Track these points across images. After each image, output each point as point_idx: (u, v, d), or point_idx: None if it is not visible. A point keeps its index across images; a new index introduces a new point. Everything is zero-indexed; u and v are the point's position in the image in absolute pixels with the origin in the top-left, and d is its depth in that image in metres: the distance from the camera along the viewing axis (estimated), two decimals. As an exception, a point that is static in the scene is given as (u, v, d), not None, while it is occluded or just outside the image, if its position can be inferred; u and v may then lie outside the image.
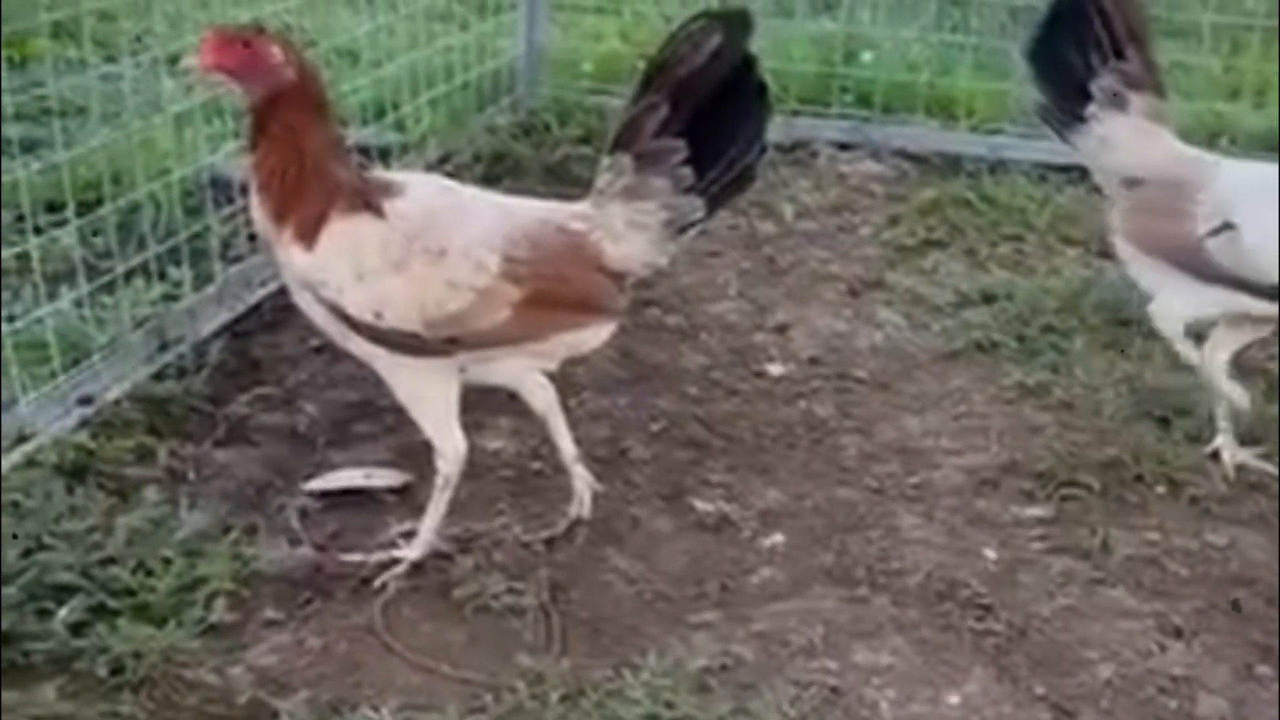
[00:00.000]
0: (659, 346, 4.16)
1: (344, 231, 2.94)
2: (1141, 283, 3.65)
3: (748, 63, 3.05)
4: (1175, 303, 3.55)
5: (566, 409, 3.67)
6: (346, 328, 3.00)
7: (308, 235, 2.93)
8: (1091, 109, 3.67)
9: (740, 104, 3.07)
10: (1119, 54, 3.65)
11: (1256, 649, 3.00)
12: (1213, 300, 3.49)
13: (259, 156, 2.95)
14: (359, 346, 3.04)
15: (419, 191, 3.08)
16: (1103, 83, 3.65)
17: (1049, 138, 5.29)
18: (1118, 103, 3.65)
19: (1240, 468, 3.58)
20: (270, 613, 2.99)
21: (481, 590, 3.04)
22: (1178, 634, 3.02)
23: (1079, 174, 5.21)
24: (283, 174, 2.93)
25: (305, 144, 2.94)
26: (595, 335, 3.17)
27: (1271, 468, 3.57)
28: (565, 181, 4.94)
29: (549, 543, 3.23)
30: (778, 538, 3.32)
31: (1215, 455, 3.60)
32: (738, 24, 3.03)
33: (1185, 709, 2.82)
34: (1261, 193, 3.42)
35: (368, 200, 2.97)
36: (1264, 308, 3.43)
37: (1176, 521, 3.39)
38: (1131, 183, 3.65)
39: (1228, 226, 3.40)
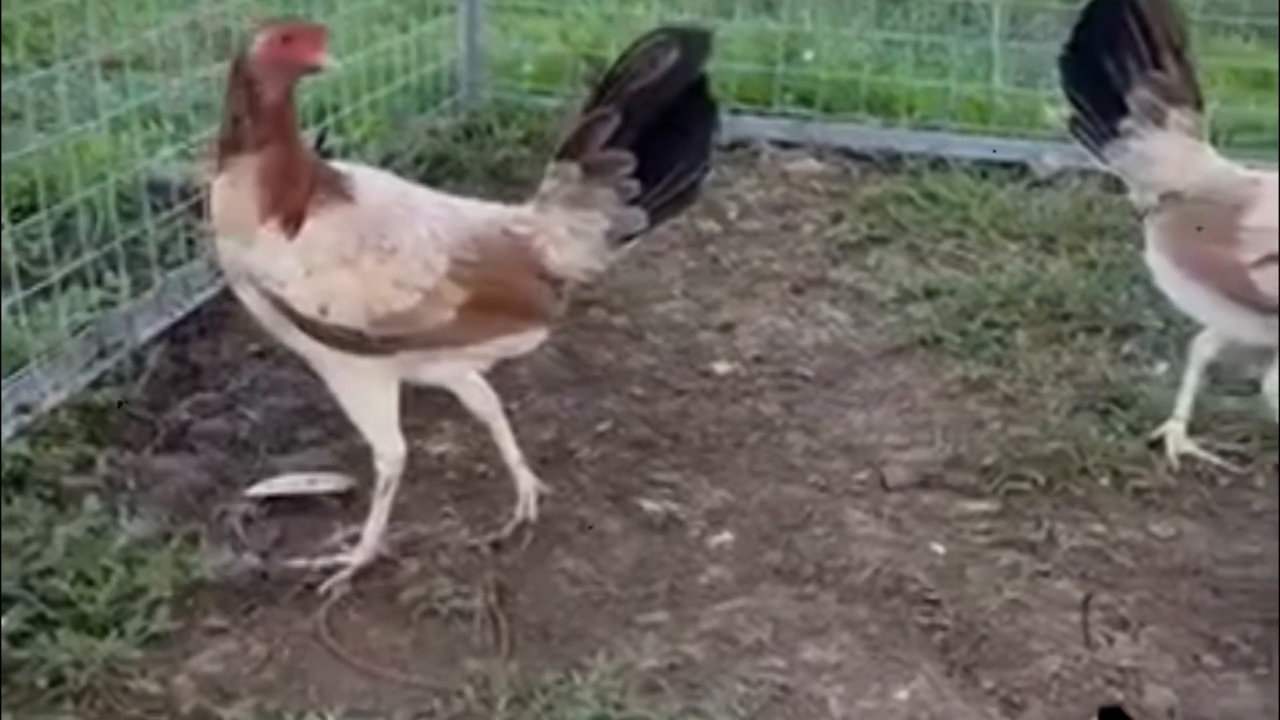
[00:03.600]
0: (604, 347, 4.15)
1: (315, 224, 2.92)
2: (1179, 302, 3.60)
3: (701, 82, 3.07)
4: (1215, 326, 3.53)
5: (510, 411, 3.67)
6: (290, 323, 2.97)
7: (292, 225, 2.90)
8: (1128, 123, 3.58)
9: (690, 121, 3.09)
10: (1157, 64, 3.54)
11: (1203, 639, 3.01)
12: (1258, 328, 3.44)
13: (266, 149, 2.88)
14: (300, 343, 3.02)
15: (369, 186, 3.05)
16: (1140, 95, 3.56)
17: (989, 133, 5.50)
18: (1156, 116, 3.55)
19: (1185, 458, 3.60)
20: (213, 620, 2.96)
21: (428, 594, 3.01)
22: (1123, 625, 3.04)
23: (1019, 170, 5.31)
24: (283, 166, 2.90)
25: (297, 135, 2.96)
26: (530, 339, 3.18)
27: (1215, 458, 3.59)
28: (507, 183, 4.92)
29: (495, 545, 3.21)
30: (725, 536, 3.31)
31: (1156, 444, 3.62)
32: (696, 43, 3.05)
33: (1133, 700, 2.83)
34: None
35: (340, 189, 2.95)
36: None
37: (1121, 513, 3.41)
38: (1168, 198, 3.57)
39: (1273, 258, 3.33)
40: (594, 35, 6.00)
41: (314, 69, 2.95)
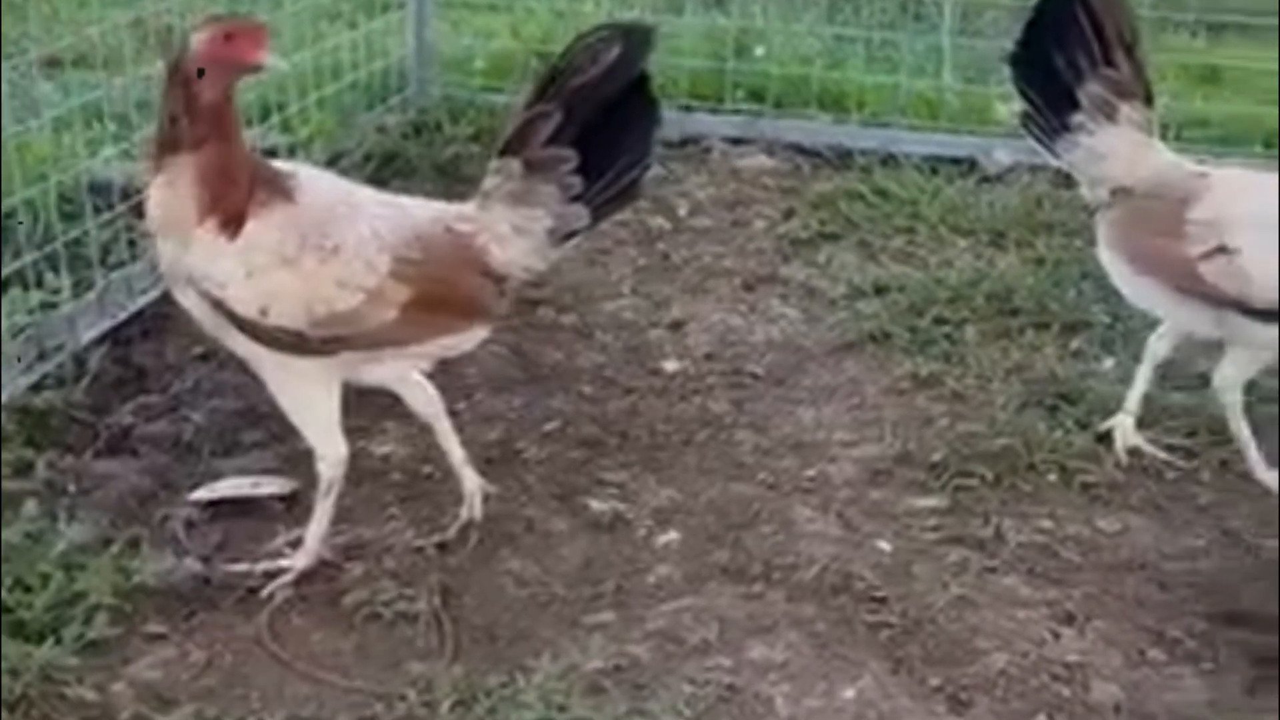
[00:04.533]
0: (553, 345, 4.12)
1: (256, 224, 2.88)
2: (1132, 297, 3.61)
3: (643, 79, 3.06)
4: (1168, 321, 3.55)
5: (458, 411, 3.67)
6: (229, 325, 2.93)
7: (232, 226, 2.86)
8: (1079, 118, 3.57)
9: (632, 117, 3.07)
10: (1108, 60, 3.53)
11: (1149, 634, 3.02)
12: (1209, 321, 3.46)
13: (205, 149, 2.84)
14: (240, 345, 2.98)
15: (310, 185, 3.01)
16: (1091, 90, 3.56)
17: (940, 130, 5.50)
18: (1107, 112, 3.55)
19: (1133, 453, 3.60)
20: (153, 626, 2.92)
21: (371, 597, 2.99)
22: (1070, 621, 3.04)
23: (969, 166, 5.31)
24: (222, 166, 2.86)
25: (238, 134, 2.91)
26: (472, 338, 3.15)
27: (1162, 453, 3.60)
28: (456, 180, 4.87)
29: (440, 547, 3.18)
30: (673, 535, 3.30)
31: (1104, 438, 3.63)
32: (638, 39, 3.04)
33: (1079, 696, 2.83)
34: (1256, 211, 3.36)
35: (281, 188, 2.92)
36: (1260, 330, 3.37)
37: (1068, 509, 3.41)
38: (1119, 194, 3.57)
39: (1222, 250, 3.36)
40: (545, 31, 5.96)
41: (255, 68, 2.91)
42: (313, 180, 3.08)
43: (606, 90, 3.02)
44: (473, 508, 3.25)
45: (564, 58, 3.04)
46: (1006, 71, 3.77)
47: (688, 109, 5.66)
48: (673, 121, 5.49)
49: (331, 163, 4.93)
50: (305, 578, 3.05)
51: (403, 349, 3.08)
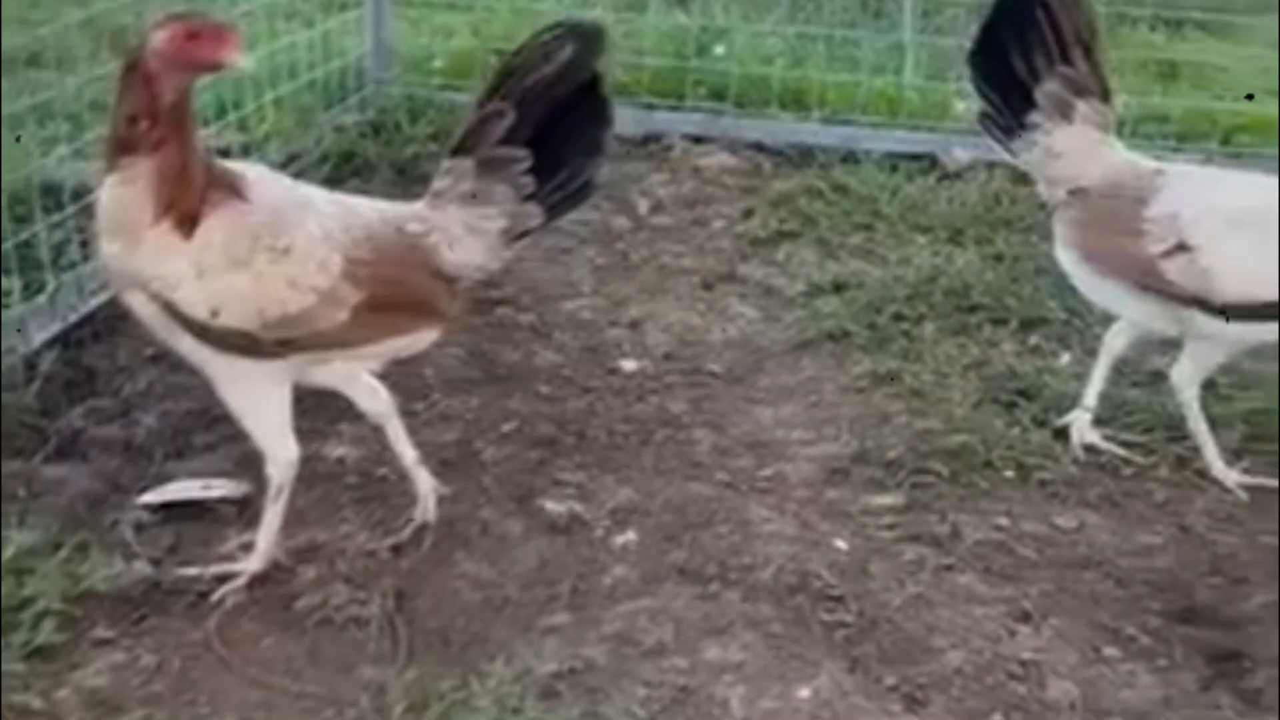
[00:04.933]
0: (511, 346, 4.10)
1: (207, 225, 2.84)
2: (1090, 296, 3.61)
3: (595, 78, 3.04)
4: (1127, 319, 3.55)
5: (415, 412, 3.65)
6: (178, 326, 2.90)
7: (187, 226, 2.82)
8: (1035, 117, 3.57)
9: (584, 117, 3.06)
10: (1066, 59, 3.53)
11: (1104, 631, 3.01)
12: (1169, 319, 3.46)
13: (163, 150, 2.79)
14: (189, 348, 2.95)
15: (261, 185, 2.98)
16: (1048, 89, 3.55)
17: (900, 127, 5.50)
18: (1064, 110, 3.54)
19: (1089, 449, 3.60)
20: (102, 631, 2.89)
21: (324, 601, 2.96)
22: (1026, 618, 3.03)
23: (929, 162, 5.31)
24: (179, 168, 2.82)
25: (194, 135, 2.87)
26: (424, 339, 3.12)
27: (1119, 449, 3.60)
28: (415, 180, 4.83)
29: (395, 550, 3.16)
30: (629, 536, 3.28)
31: (1061, 434, 3.63)
32: (591, 38, 3.03)
33: (1035, 694, 2.83)
34: (1215, 208, 3.37)
35: (232, 188, 2.88)
36: (1220, 326, 3.38)
37: (1025, 505, 3.41)
38: (1076, 193, 3.56)
39: (1182, 247, 3.35)
40: (505, 30, 5.92)
41: (219, 68, 2.87)
42: (263, 180, 3.04)
43: (559, 89, 3.01)
44: (427, 510, 3.22)
45: (517, 57, 3.03)
46: (965, 69, 3.77)
47: (649, 107, 5.66)
48: (634, 119, 5.53)
49: (288, 162, 4.92)
50: (257, 581, 3.01)
51: (354, 350, 3.05)
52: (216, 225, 2.86)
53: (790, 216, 4.94)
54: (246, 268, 2.86)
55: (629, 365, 4.03)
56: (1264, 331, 3.39)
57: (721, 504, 3.40)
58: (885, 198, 5.02)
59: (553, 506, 3.36)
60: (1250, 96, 5.41)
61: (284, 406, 3.03)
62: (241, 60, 2.88)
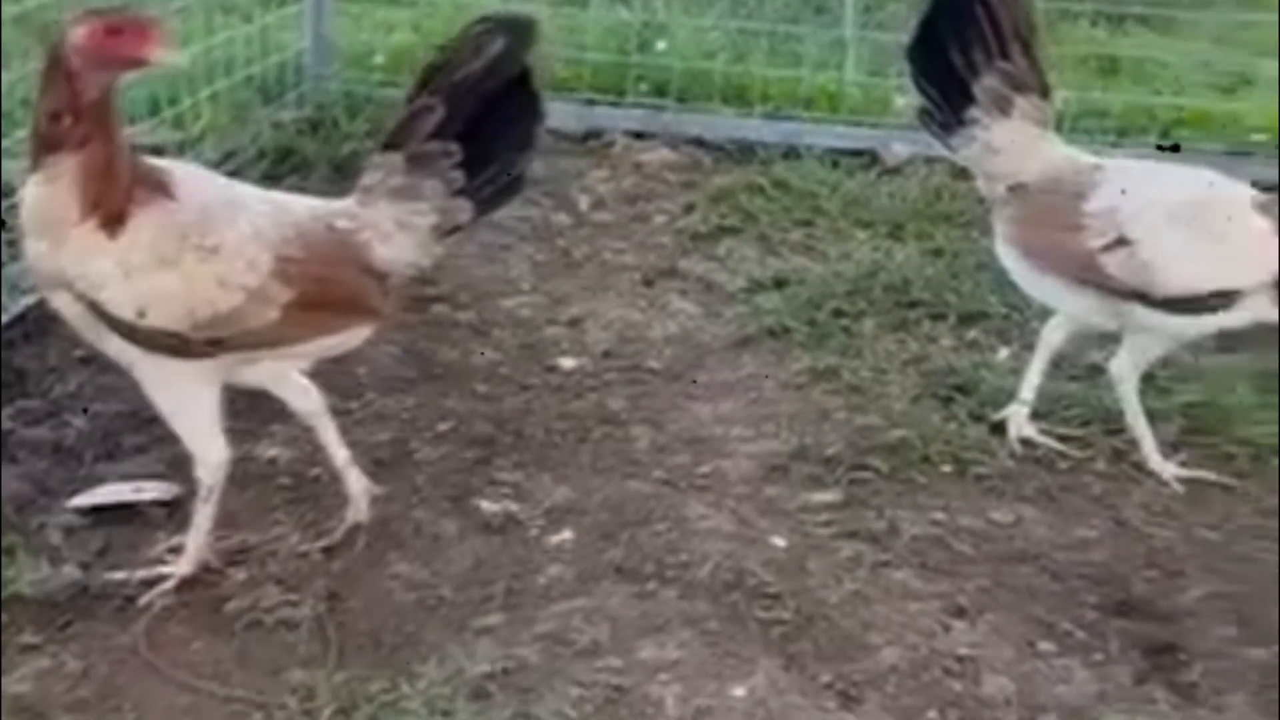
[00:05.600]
0: (448, 344, 4.07)
1: (134, 224, 2.80)
2: (1031, 292, 3.61)
3: (526, 72, 3.02)
4: (1068, 314, 3.55)
5: (349, 411, 3.61)
6: (104, 327, 2.85)
7: (113, 225, 2.77)
8: (974, 113, 3.55)
9: (515, 111, 3.03)
10: (1004, 54, 3.51)
11: (1040, 625, 3.01)
12: (1109, 313, 3.47)
13: (88, 148, 2.74)
14: (116, 349, 2.90)
15: (189, 183, 2.94)
16: (986, 85, 3.53)
17: (841, 122, 5.50)
18: (1002, 106, 3.53)
19: (1026, 443, 3.60)
20: (28, 637, 2.84)
21: (254, 604, 2.93)
22: (962, 614, 3.03)
23: (870, 158, 5.31)
24: (105, 165, 2.77)
25: (120, 131, 2.82)
26: (356, 336, 3.09)
27: (1056, 443, 3.60)
28: (354, 178, 4.75)
29: (327, 551, 3.12)
30: (565, 535, 3.25)
31: (998, 428, 3.63)
32: (522, 31, 3.00)
33: (970, 690, 2.82)
34: (1154, 202, 3.39)
35: (160, 186, 2.84)
36: (1161, 320, 3.40)
37: (962, 500, 3.41)
38: (1015, 190, 3.55)
39: (1122, 241, 3.36)
40: (447, 25, 5.87)
41: (141, 64, 2.82)
42: (191, 178, 3.00)
43: (490, 83, 2.99)
44: (359, 511, 3.18)
45: (447, 51, 3.01)
46: (905, 65, 3.76)
47: (590, 103, 5.64)
48: (575, 115, 5.51)
49: (224, 160, 4.87)
50: (186, 584, 2.97)
51: (286, 349, 3.02)
52: (144, 224, 2.82)
53: (731, 212, 4.93)
54: (175, 267, 2.82)
55: (568, 363, 4.01)
56: (1204, 324, 3.41)
57: (659, 502, 3.38)
58: (826, 193, 5.01)
59: (488, 506, 3.33)
60: None
61: (213, 407, 2.98)
62: (167, 56, 2.83)
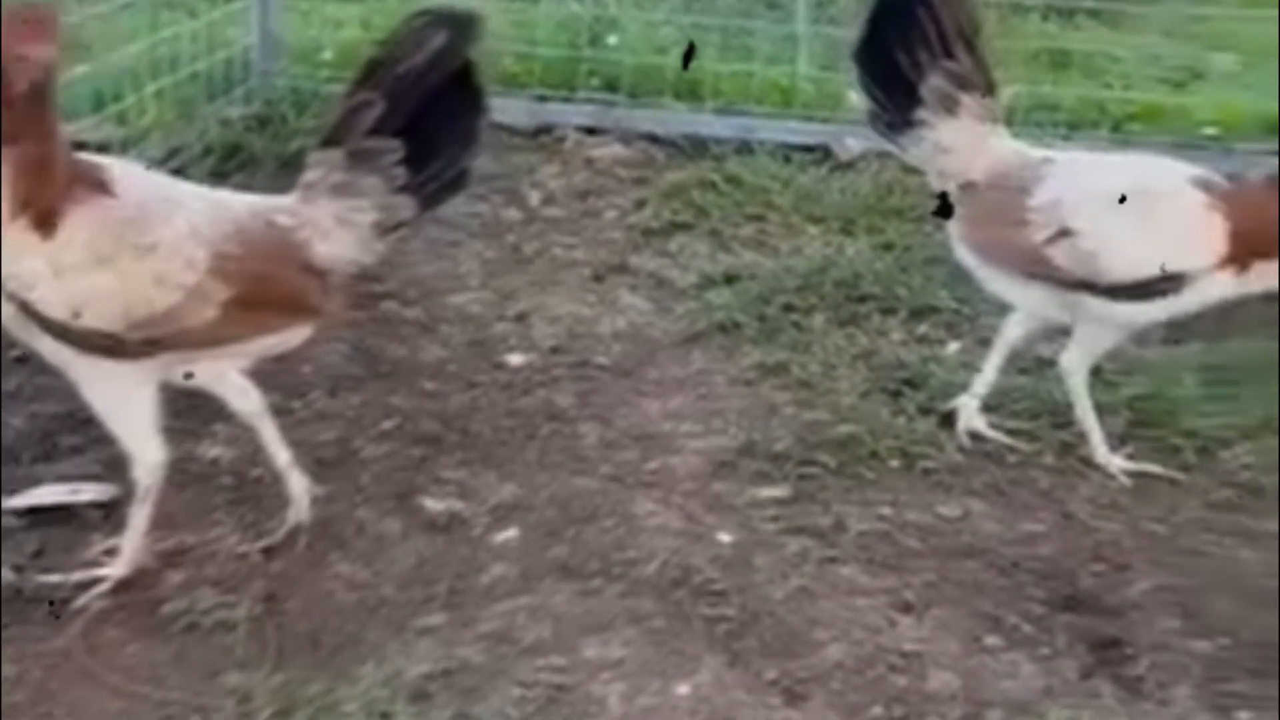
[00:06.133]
0: (395, 341, 4.03)
1: (68, 222, 2.74)
2: (987, 288, 3.60)
3: (468, 66, 2.98)
4: (1024, 309, 3.54)
5: (293, 410, 3.57)
6: (36, 327, 2.80)
7: (46, 224, 2.72)
8: (922, 113, 3.54)
9: (458, 106, 3.00)
10: (948, 53, 3.50)
11: (986, 620, 3.00)
12: (1060, 305, 3.47)
13: (20, 143, 2.68)
14: (49, 349, 2.85)
15: (126, 180, 2.89)
16: (932, 84, 3.52)
17: (794, 117, 5.48)
18: (948, 105, 3.52)
19: (975, 437, 3.59)
20: (-41, 643, 2.79)
21: (190, 606, 2.88)
22: (908, 609, 3.01)
23: (822, 153, 5.30)
24: (38, 162, 2.71)
25: (55, 127, 2.76)
26: (297, 335, 3.04)
27: (1004, 437, 3.59)
28: (301, 173, 4.75)
29: (268, 552, 3.08)
30: (511, 533, 3.22)
31: (947, 419, 3.62)
32: (463, 26, 2.96)
33: (915, 686, 2.81)
34: (1095, 191, 3.39)
35: (96, 183, 2.79)
36: (1110, 309, 3.39)
37: (910, 495, 3.39)
38: (965, 188, 3.54)
39: (1065, 233, 3.36)
40: (396, 20, 5.82)
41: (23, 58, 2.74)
42: (128, 175, 2.95)
43: (431, 78, 2.94)
44: (300, 512, 3.14)
45: (387, 45, 2.97)
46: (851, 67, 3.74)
47: (541, 98, 5.61)
48: (526, 111, 5.48)
49: (170, 156, 4.81)
50: (122, 587, 2.93)
51: (224, 348, 2.97)
52: (79, 222, 2.77)
53: (683, 208, 4.90)
54: (110, 266, 2.77)
55: (516, 359, 3.98)
56: (1153, 311, 3.41)
57: (606, 498, 3.35)
58: (778, 188, 4.99)
59: (432, 505, 3.29)
60: None
61: (150, 408, 2.94)
62: (46, 52, 2.73)
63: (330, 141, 2.98)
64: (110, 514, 3.16)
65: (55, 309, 2.76)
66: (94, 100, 4.69)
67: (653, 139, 5.47)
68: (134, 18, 4.99)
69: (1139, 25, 6.36)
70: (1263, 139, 5.18)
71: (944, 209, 3.57)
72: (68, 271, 2.74)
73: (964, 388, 3.66)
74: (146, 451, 2.94)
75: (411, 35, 2.95)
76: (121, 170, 2.95)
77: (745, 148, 5.33)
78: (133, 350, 2.83)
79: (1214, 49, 6.14)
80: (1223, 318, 3.88)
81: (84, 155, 2.97)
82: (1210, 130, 5.42)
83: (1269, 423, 3.66)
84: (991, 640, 2.94)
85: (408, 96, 2.93)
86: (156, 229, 2.83)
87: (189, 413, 3.35)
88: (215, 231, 2.89)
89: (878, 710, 2.75)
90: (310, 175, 3.00)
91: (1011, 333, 3.61)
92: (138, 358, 2.86)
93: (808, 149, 5.32)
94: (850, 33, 3.71)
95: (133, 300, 2.79)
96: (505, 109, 5.33)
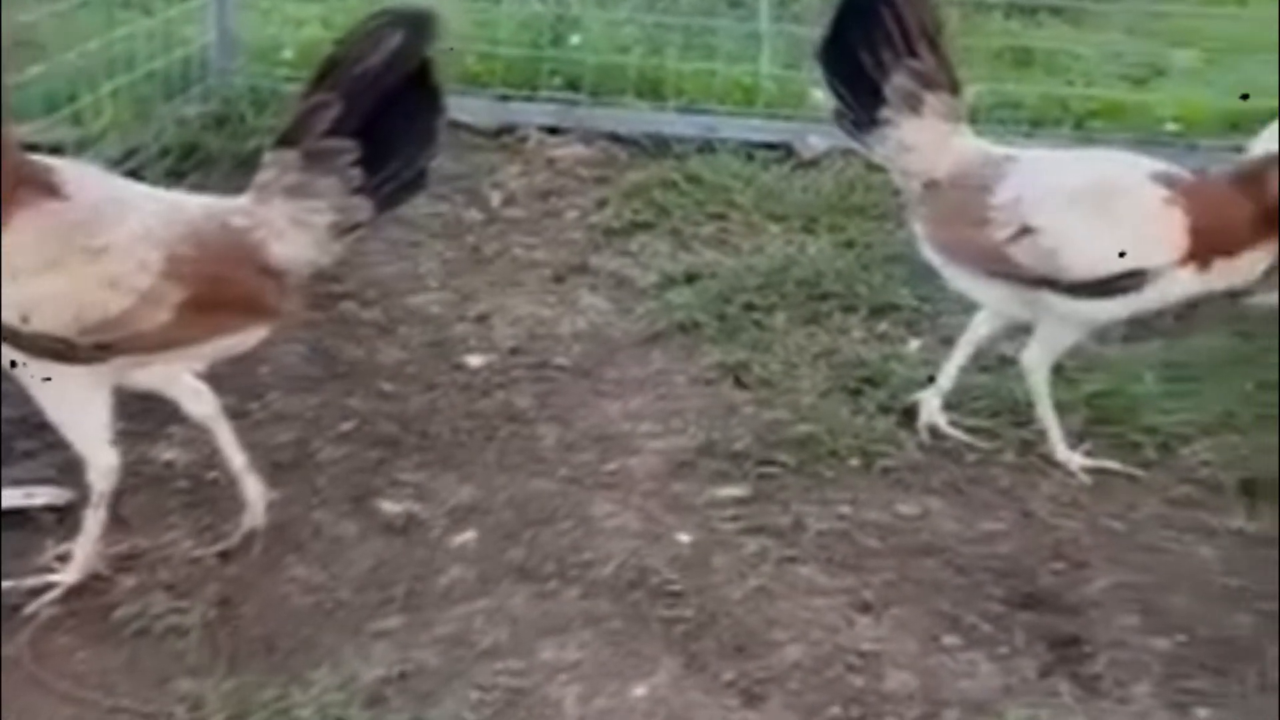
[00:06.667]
0: (354, 342, 4.00)
1: (16, 225, 2.71)
2: (955, 287, 3.59)
3: (425, 66, 2.95)
4: (990, 308, 3.55)
5: (250, 412, 3.54)
6: None
7: None
8: (886, 112, 3.54)
9: (415, 107, 2.97)
10: (912, 52, 3.50)
11: (944, 619, 2.99)
12: (1023, 303, 3.47)
13: None
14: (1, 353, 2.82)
15: (77, 181, 2.85)
16: (896, 83, 3.51)
17: (757, 116, 5.47)
18: (912, 104, 3.51)
19: (935, 434, 3.59)
20: (-93, 651, 2.76)
21: (143, 611, 2.85)
22: (867, 609, 3.00)
23: (785, 151, 5.29)
24: None
25: (6, 129, 2.74)
26: (252, 337, 3.01)
27: (964, 435, 3.59)
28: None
29: (223, 556, 3.05)
30: (468, 535, 3.20)
31: (908, 415, 3.62)
32: (420, 25, 2.93)
33: (873, 686, 2.79)
34: (1054, 188, 3.39)
35: (45, 185, 2.76)
36: (1072, 306, 3.39)
37: (869, 494, 3.38)
38: (930, 187, 3.54)
39: (1026, 230, 3.36)
40: (357, 19, 5.80)
41: None
42: (80, 177, 2.91)
43: (388, 78, 2.92)
44: (256, 516, 3.11)
45: (344, 45, 2.94)
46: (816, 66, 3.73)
47: (503, 98, 5.59)
48: (488, 110, 5.46)
49: (127, 157, 4.77)
50: (74, 593, 2.90)
51: (179, 351, 2.94)
52: (27, 225, 2.74)
53: (644, 207, 4.89)
54: (60, 269, 2.74)
55: (475, 360, 3.95)
56: (1115, 308, 3.41)
57: (564, 500, 3.33)
58: (740, 187, 4.98)
59: (390, 507, 3.27)
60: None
61: (104, 412, 2.91)
62: None
63: (286, 142, 2.95)
64: (65, 518, 3.13)
65: (4, 313, 2.73)
66: (48, 101, 4.63)
67: (615, 138, 5.46)
68: (90, 16, 4.93)
69: (1101, 22, 6.38)
70: (1224, 135, 5.19)
71: None
72: (16, 275, 2.71)
73: (924, 386, 3.65)
74: (100, 456, 2.91)
75: (369, 35, 2.92)
76: (74, 172, 2.92)
77: (708, 146, 5.32)
78: (85, 354, 2.81)
79: (1175, 46, 6.15)
80: (1183, 314, 3.91)
81: (35, 157, 2.93)
82: (1172, 127, 5.45)
83: (1228, 419, 3.67)
84: (950, 639, 2.94)
85: (365, 97, 2.91)
86: (108, 231, 2.80)
87: (144, 415, 3.33)
88: (169, 233, 2.86)
89: (835, 710, 2.74)
90: (265, 176, 2.97)
91: (978, 330, 3.61)
92: (90, 362, 2.83)
93: (770, 147, 5.31)
94: (815, 32, 3.70)
95: (84, 304, 2.76)
96: (467, 108, 5.33)
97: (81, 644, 2.79)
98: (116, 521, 3.01)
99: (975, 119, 3.86)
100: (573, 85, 5.65)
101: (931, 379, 3.67)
